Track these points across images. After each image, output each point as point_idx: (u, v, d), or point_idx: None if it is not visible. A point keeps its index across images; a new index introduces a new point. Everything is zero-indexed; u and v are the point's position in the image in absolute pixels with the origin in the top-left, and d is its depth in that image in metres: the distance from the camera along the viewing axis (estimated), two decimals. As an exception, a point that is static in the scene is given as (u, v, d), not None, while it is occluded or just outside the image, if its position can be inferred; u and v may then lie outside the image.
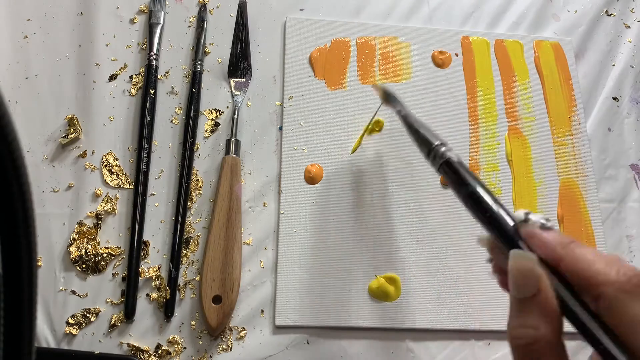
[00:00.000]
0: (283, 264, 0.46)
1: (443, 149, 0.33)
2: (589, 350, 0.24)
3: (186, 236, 0.46)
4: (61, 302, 0.43)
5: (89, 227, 0.46)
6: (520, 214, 0.26)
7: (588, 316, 0.23)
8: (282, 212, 0.48)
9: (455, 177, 0.31)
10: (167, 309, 0.44)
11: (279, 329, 0.44)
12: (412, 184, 0.50)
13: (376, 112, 0.44)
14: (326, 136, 0.51)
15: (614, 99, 0.57)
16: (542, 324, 0.22)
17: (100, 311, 0.43)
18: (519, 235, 0.26)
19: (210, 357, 0.43)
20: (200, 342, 0.43)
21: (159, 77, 0.51)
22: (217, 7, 0.55)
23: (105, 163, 0.48)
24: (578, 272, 0.23)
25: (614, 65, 0.59)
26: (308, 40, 0.54)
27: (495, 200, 0.28)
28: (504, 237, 0.27)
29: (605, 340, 0.22)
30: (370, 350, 0.44)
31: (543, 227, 0.25)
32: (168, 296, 0.44)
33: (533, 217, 0.26)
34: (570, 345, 0.23)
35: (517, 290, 0.24)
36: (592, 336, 0.22)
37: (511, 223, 0.27)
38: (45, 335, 0.42)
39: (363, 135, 0.51)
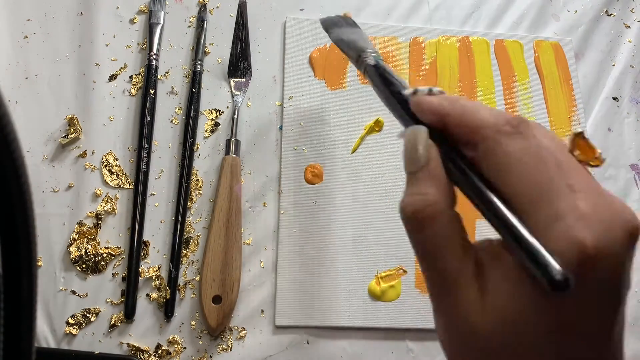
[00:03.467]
0: (283, 264, 0.46)
1: (368, 56, 0.35)
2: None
3: (186, 236, 0.46)
4: (61, 302, 0.43)
5: (89, 227, 0.46)
6: (410, 90, 0.27)
7: (469, 169, 0.23)
8: (282, 212, 0.48)
9: (378, 79, 0.33)
10: (167, 309, 0.44)
11: (279, 329, 0.44)
12: (412, 184, 0.50)
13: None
14: (326, 136, 0.51)
15: (614, 99, 0.57)
16: (431, 189, 0.22)
17: (100, 311, 0.43)
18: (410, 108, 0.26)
19: (210, 357, 0.43)
20: (200, 342, 0.43)
21: (159, 77, 0.51)
22: (217, 7, 0.55)
23: (105, 163, 0.48)
24: (463, 123, 0.23)
25: (614, 65, 0.59)
26: (308, 40, 0.54)
27: (400, 88, 0.29)
28: (408, 116, 0.27)
29: (480, 184, 0.22)
30: (370, 350, 0.44)
31: (430, 93, 0.25)
32: (168, 296, 0.44)
33: (421, 88, 0.26)
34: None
35: (408, 163, 0.24)
36: (474, 190, 0.22)
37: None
38: (45, 335, 0.42)
39: (364, 135, 0.51)
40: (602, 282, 0.19)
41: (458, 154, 0.23)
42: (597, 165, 0.22)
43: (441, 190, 0.22)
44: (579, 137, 0.22)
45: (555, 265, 0.18)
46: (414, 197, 0.22)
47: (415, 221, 0.22)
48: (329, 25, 0.44)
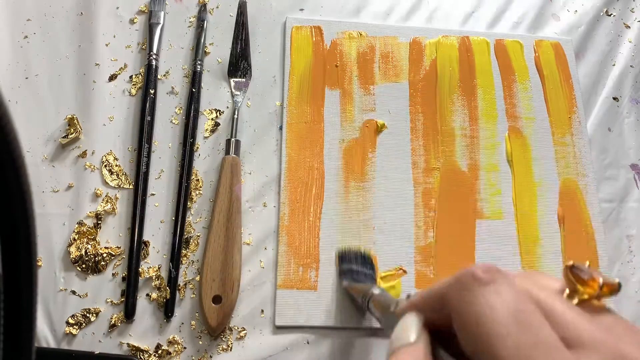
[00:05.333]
0: (283, 264, 0.46)
1: (370, 291, 0.38)
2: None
3: (186, 236, 0.46)
4: (61, 302, 0.43)
5: (89, 227, 0.46)
6: (393, 305, 0.28)
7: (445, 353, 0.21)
8: (282, 212, 0.48)
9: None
10: (167, 309, 0.44)
11: (279, 329, 0.44)
12: (413, 184, 0.50)
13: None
14: (326, 136, 0.51)
15: (614, 99, 0.57)
16: None
17: (100, 311, 0.43)
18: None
19: (210, 357, 0.43)
20: (200, 342, 0.43)
21: (159, 77, 0.51)
22: (217, 7, 0.55)
23: (105, 163, 0.48)
24: (431, 303, 0.21)
25: (614, 65, 0.59)
26: (308, 40, 0.54)
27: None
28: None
29: None
30: (370, 350, 0.44)
31: (408, 297, 0.25)
32: (168, 296, 0.44)
33: (400, 299, 0.27)
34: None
35: (394, 341, 0.22)
36: None
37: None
38: (45, 335, 0.42)
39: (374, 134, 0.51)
40: None
41: (446, 344, 0.22)
42: (606, 295, 0.19)
43: None
44: (569, 270, 0.19)
45: None
46: None
47: None
48: (343, 264, 0.46)
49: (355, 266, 0.45)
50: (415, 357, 0.20)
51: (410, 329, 0.21)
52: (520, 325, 0.17)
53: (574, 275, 0.19)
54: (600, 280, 0.19)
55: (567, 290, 0.19)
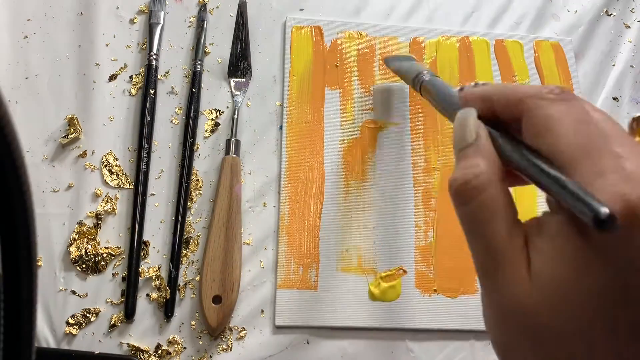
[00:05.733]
0: (283, 264, 0.46)
1: (422, 76, 0.40)
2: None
3: (186, 236, 0.46)
4: (61, 302, 0.43)
5: (89, 227, 0.46)
6: (457, 87, 0.29)
7: (515, 141, 0.23)
8: (282, 212, 0.48)
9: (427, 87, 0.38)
10: (167, 309, 0.44)
11: (279, 329, 0.44)
12: (413, 184, 0.50)
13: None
14: (326, 136, 0.51)
15: (614, 99, 0.57)
16: (480, 161, 0.22)
17: (100, 311, 0.43)
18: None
19: (210, 357, 0.43)
20: (200, 342, 0.43)
21: (159, 77, 0.51)
22: (217, 7, 0.55)
23: (105, 163, 0.48)
24: (506, 99, 0.24)
25: (614, 65, 0.59)
26: (308, 40, 0.54)
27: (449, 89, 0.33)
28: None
29: (525, 152, 0.22)
30: (370, 350, 0.44)
31: (475, 86, 0.27)
32: (168, 296, 0.44)
33: (467, 84, 0.28)
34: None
35: (457, 142, 0.24)
36: (520, 156, 0.23)
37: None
38: (45, 335, 0.42)
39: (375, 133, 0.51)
40: None
41: (505, 132, 0.24)
42: None
43: (490, 163, 0.23)
44: (633, 123, 0.22)
45: (600, 203, 0.18)
46: (463, 171, 0.22)
47: (464, 192, 0.22)
48: (389, 61, 0.51)
49: (399, 60, 0.49)
50: (482, 155, 0.23)
51: (470, 126, 0.24)
52: (584, 132, 0.20)
53: (637, 124, 0.23)
54: None
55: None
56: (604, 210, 0.17)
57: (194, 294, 0.45)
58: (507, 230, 0.21)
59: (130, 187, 0.47)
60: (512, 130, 0.24)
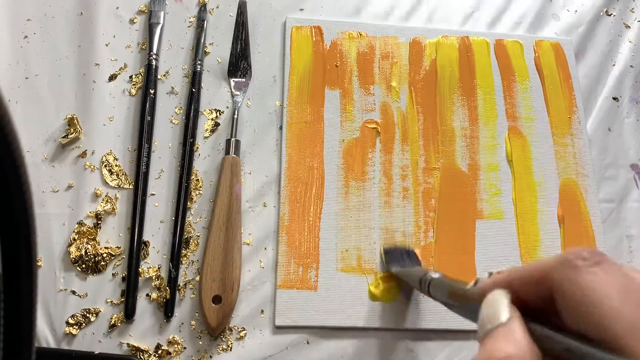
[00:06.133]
0: (283, 264, 0.46)
1: (428, 275, 0.37)
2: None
3: (186, 236, 0.46)
4: (61, 302, 0.43)
5: (89, 227, 0.46)
6: (471, 282, 0.26)
7: (549, 326, 0.20)
8: (282, 212, 0.48)
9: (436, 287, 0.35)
10: (167, 309, 0.44)
11: (279, 329, 0.44)
12: (413, 185, 0.50)
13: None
14: (326, 136, 0.51)
15: (614, 99, 0.57)
16: (510, 346, 0.19)
17: (100, 311, 0.43)
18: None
19: (210, 357, 0.43)
20: (200, 342, 0.43)
21: (159, 77, 0.51)
22: (217, 7, 0.55)
23: (105, 163, 0.48)
24: (529, 278, 0.21)
25: (614, 65, 0.59)
26: (308, 40, 0.54)
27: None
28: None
29: (576, 347, 0.19)
30: (370, 350, 0.44)
31: (490, 275, 0.25)
32: (168, 296, 0.44)
33: (481, 278, 0.26)
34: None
35: (485, 322, 0.21)
36: (561, 345, 0.20)
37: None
38: (45, 335, 0.42)
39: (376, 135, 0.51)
40: None
41: (536, 318, 0.21)
42: None
43: (521, 350, 0.19)
44: None
45: None
46: (487, 353, 0.20)
47: None
48: (390, 259, 0.47)
49: (402, 260, 0.46)
50: (513, 338, 0.20)
51: (500, 307, 0.21)
52: (634, 302, 0.17)
53: None
54: None
55: None
56: None
57: (194, 294, 0.45)
58: None
59: (130, 187, 0.47)
60: (549, 317, 0.21)
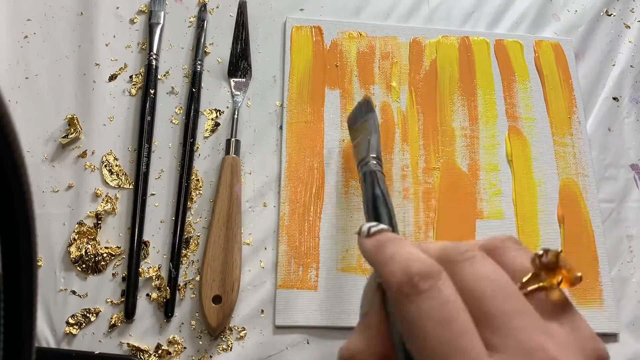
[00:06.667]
0: (283, 264, 0.46)
1: (370, 162, 0.37)
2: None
3: (186, 236, 0.46)
4: (61, 302, 0.43)
5: (89, 227, 0.46)
6: (365, 225, 0.26)
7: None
8: (282, 212, 0.48)
9: (367, 184, 0.35)
10: (167, 309, 0.44)
11: (279, 329, 0.44)
12: (413, 185, 0.50)
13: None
14: (327, 136, 0.51)
15: (614, 99, 0.57)
16: (360, 341, 0.22)
17: (100, 311, 0.43)
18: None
19: (210, 357, 0.43)
20: (200, 342, 0.43)
21: (159, 77, 0.51)
22: (217, 7, 0.55)
23: (105, 163, 0.48)
24: (381, 276, 0.22)
25: (614, 65, 0.59)
26: (308, 40, 0.54)
27: (388, 213, 0.29)
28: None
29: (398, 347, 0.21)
30: (370, 350, 0.44)
31: (369, 233, 0.25)
32: (168, 296, 0.44)
33: (366, 225, 0.25)
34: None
35: (361, 305, 0.24)
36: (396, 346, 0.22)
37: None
38: (45, 335, 0.42)
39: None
40: None
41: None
42: (572, 285, 0.20)
43: (370, 343, 0.22)
44: (536, 260, 0.20)
45: None
46: (347, 344, 0.22)
47: None
48: (350, 122, 0.47)
49: (357, 115, 0.46)
50: (370, 333, 0.22)
51: (368, 297, 0.23)
52: (443, 331, 0.18)
53: (541, 264, 0.20)
54: (564, 272, 0.20)
55: (529, 275, 0.20)
56: None
57: (194, 294, 0.45)
58: None
59: (130, 187, 0.47)
60: None
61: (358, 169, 0.39)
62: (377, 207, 0.31)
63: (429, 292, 0.19)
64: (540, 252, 0.20)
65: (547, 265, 0.20)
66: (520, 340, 0.18)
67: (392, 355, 0.22)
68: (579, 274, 0.20)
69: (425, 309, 0.19)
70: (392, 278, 0.20)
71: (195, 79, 0.51)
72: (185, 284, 0.45)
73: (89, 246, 0.45)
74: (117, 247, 0.45)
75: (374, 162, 0.38)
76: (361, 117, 0.45)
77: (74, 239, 0.45)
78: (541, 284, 0.20)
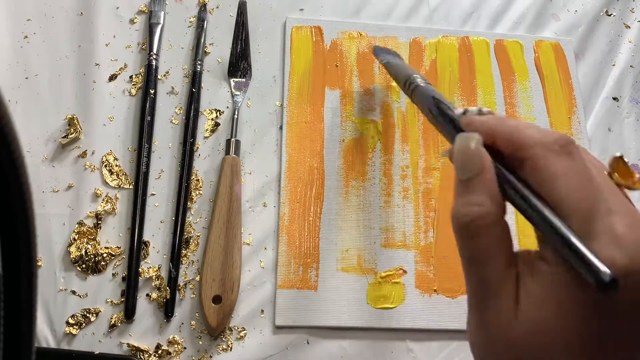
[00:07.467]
0: (283, 264, 0.46)
1: (416, 80, 0.38)
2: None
3: (186, 236, 0.46)
4: (61, 302, 0.43)
5: (89, 227, 0.46)
6: (459, 110, 0.28)
7: (521, 185, 0.23)
8: (282, 212, 0.48)
9: (421, 96, 0.36)
10: (167, 309, 0.44)
11: (279, 329, 0.44)
12: (413, 185, 0.50)
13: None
14: (326, 136, 0.51)
15: (614, 99, 0.57)
16: (487, 200, 0.22)
17: (100, 311, 0.43)
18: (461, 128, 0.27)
19: (210, 357, 0.43)
20: (200, 342, 0.43)
21: (159, 77, 0.51)
22: (217, 7, 0.55)
23: (105, 163, 0.48)
24: (512, 141, 0.23)
25: (614, 65, 0.59)
26: (308, 40, 0.54)
27: (449, 107, 0.31)
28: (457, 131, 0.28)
29: (532, 199, 0.22)
30: (370, 350, 0.44)
31: (480, 113, 0.26)
32: (168, 296, 0.44)
33: (471, 108, 0.27)
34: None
35: (461, 170, 0.24)
36: (523, 204, 0.23)
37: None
38: (45, 335, 0.42)
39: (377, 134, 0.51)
40: (633, 301, 0.20)
41: (506, 167, 0.24)
42: (636, 188, 0.23)
43: (495, 200, 0.23)
44: (619, 161, 0.23)
45: (603, 266, 0.19)
46: (470, 208, 0.23)
47: (469, 229, 0.23)
48: (378, 52, 0.49)
49: (390, 55, 0.48)
50: (490, 191, 0.23)
51: (475, 157, 0.24)
52: (582, 188, 0.21)
53: (621, 164, 0.23)
54: (637, 176, 0.23)
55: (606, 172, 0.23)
56: (608, 275, 0.19)
57: (194, 294, 0.45)
58: (503, 268, 0.22)
59: (130, 187, 0.47)
60: (512, 166, 0.24)
61: (405, 88, 0.40)
62: (445, 108, 0.32)
63: (575, 154, 0.22)
64: (618, 154, 0.23)
65: (622, 168, 0.23)
66: (629, 208, 0.21)
67: (504, 215, 0.23)
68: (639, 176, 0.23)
69: (572, 166, 0.22)
70: (537, 138, 0.23)
71: (195, 79, 0.51)
72: (185, 284, 0.45)
73: (89, 246, 0.45)
74: (117, 247, 0.45)
75: (420, 78, 0.39)
76: (386, 52, 0.49)
77: (74, 239, 0.45)
78: (621, 181, 0.23)
